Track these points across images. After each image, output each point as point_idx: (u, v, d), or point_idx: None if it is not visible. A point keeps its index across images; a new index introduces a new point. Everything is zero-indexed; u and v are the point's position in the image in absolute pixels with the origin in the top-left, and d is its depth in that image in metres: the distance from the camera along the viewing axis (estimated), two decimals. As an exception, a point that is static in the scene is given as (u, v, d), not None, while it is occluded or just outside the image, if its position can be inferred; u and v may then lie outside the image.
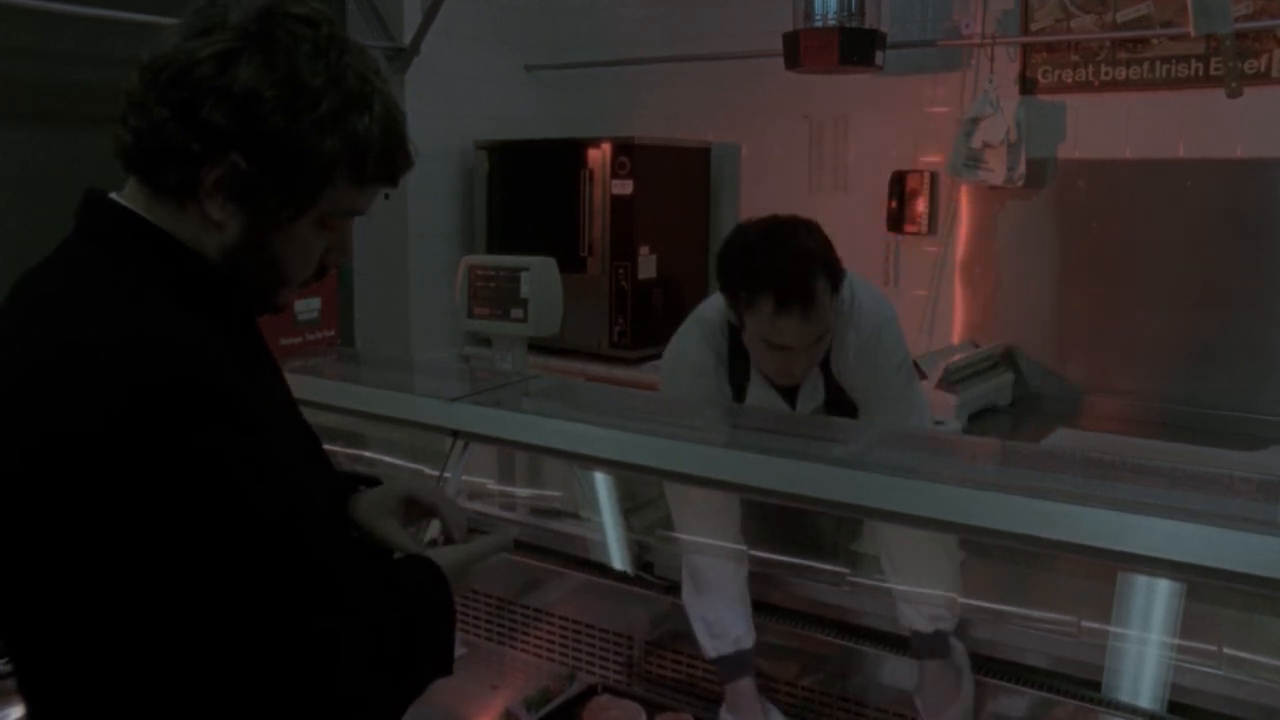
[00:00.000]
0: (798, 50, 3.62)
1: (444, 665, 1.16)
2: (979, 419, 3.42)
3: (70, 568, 0.93)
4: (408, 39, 4.04)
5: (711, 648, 1.84)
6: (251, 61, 1.01)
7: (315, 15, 1.06)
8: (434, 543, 1.32)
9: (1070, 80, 3.69)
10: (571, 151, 4.08)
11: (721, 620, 1.83)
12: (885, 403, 2.08)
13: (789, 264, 1.85)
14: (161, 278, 1.04)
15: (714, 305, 2.09)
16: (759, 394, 2.09)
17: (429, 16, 3.94)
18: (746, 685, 1.83)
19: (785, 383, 2.05)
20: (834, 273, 1.90)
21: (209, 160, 1.02)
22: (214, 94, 1.00)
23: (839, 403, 2.11)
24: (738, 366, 2.08)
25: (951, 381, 3.32)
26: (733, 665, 1.84)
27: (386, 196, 1.15)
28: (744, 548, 1.90)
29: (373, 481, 1.35)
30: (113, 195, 1.08)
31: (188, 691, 0.95)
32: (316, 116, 1.03)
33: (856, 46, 3.56)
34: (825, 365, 2.07)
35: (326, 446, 1.27)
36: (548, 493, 2.25)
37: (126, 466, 0.91)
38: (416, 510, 1.32)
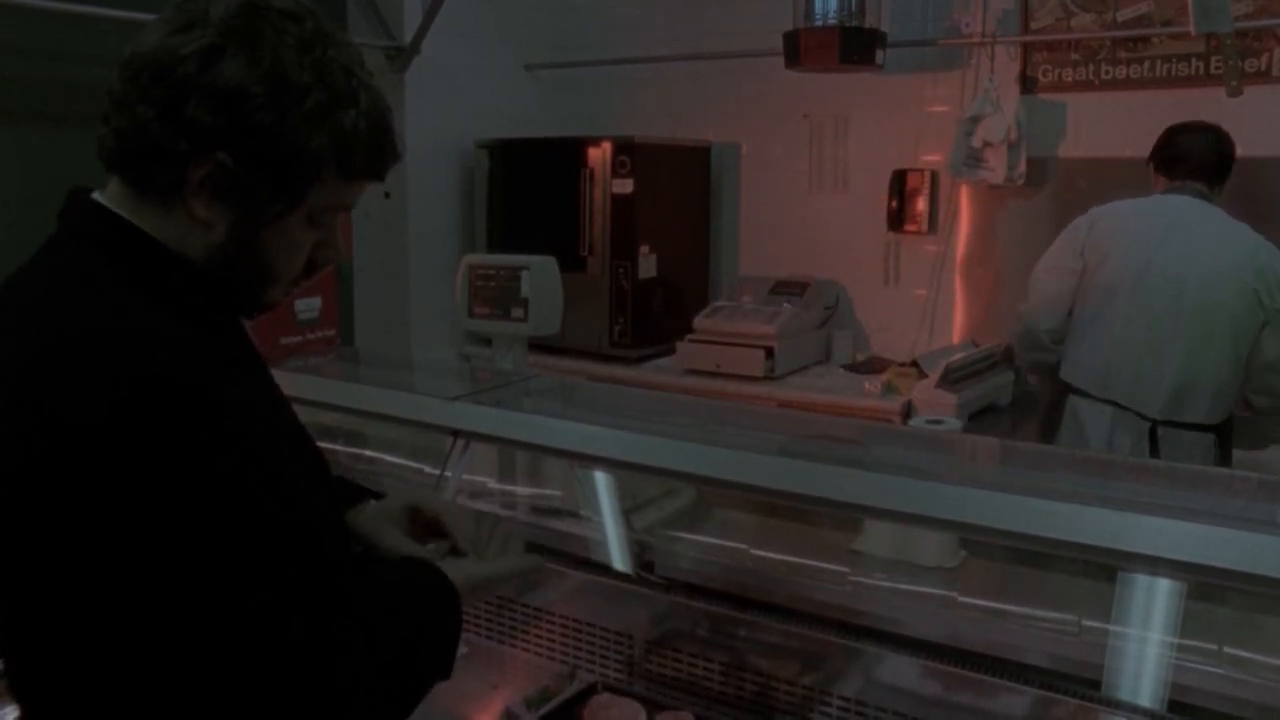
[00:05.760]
0: (798, 49, 3.62)
1: (444, 672, 1.16)
2: (979, 419, 3.41)
3: (64, 568, 0.93)
4: (408, 38, 4.04)
5: None
6: (236, 58, 0.99)
7: (298, 9, 1.04)
8: (451, 552, 1.30)
9: (1070, 79, 3.69)
10: (572, 151, 4.08)
11: None
12: None
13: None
14: (144, 279, 1.03)
15: None
16: None
17: (429, 16, 3.94)
18: None
19: None
20: None
21: (195, 159, 1.00)
22: (198, 92, 0.98)
23: None
24: None
25: (951, 381, 3.32)
26: None
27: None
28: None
29: (376, 494, 1.34)
30: (95, 195, 1.07)
31: (183, 692, 0.95)
32: (304, 113, 1.01)
33: (856, 46, 3.57)
34: None
35: (327, 446, 1.26)
36: (548, 492, 2.25)
37: (121, 464, 0.90)
38: (420, 520, 1.31)
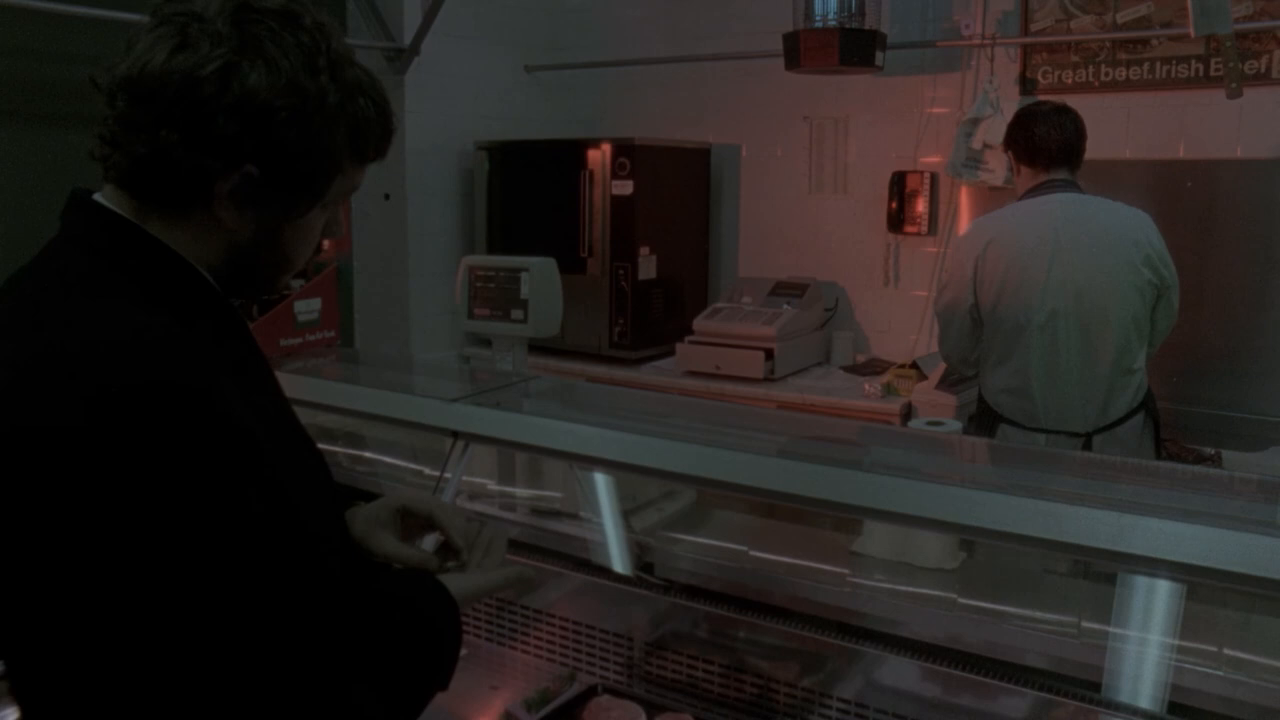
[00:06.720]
0: (798, 50, 3.62)
1: (443, 681, 1.16)
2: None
3: (63, 572, 0.93)
4: (408, 39, 4.04)
5: None
6: (254, 72, 0.99)
7: (295, 7, 1.05)
8: (444, 546, 1.31)
9: (1070, 81, 3.69)
10: (571, 152, 4.08)
11: None
12: None
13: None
14: (147, 282, 1.03)
15: None
16: None
17: (429, 16, 3.94)
18: None
19: None
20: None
21: (223, 174, 1.01)
22: (223, 110, 0.99)
23: None
24: None
25: (951, 383, 3.32)
26: None
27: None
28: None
29: (369, 496, 1.34)
30: (97, 196, 1.07)
31: (182, 697, 0.94)
32: (324, 114, 1.03)
33: (856, 47, 3.57)
34: None
35: (327, 447, 1.26)
36: (548, 493, 2.25)
37: (121, 467, 0.90)
38: (412, 522, 1.31)
